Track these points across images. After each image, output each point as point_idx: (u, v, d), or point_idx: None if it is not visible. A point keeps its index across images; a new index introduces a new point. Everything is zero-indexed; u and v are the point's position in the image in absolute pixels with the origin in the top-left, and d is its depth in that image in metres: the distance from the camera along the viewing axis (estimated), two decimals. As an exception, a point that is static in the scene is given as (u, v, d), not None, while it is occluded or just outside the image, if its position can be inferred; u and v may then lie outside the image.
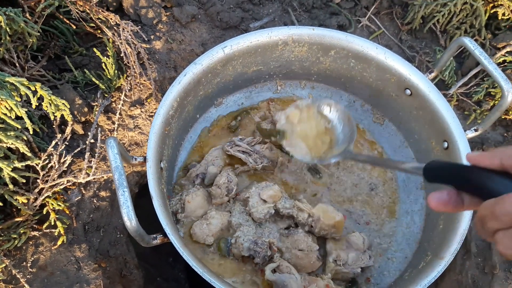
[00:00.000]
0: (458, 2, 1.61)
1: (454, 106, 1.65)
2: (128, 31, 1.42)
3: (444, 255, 1.10)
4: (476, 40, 1.70)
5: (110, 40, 1.45)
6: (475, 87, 1.66)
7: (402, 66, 1.31)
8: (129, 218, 0.94)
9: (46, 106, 1.16)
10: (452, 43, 1.27)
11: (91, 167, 1.30)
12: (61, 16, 1.48)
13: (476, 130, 1.26)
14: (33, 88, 1.10)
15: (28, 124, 1.10)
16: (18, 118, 1.17)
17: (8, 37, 1.28)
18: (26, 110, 1.10)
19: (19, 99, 1.13)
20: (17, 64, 1.34)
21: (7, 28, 1.25)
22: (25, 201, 1.19)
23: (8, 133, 1.10)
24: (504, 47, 1.68)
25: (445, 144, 1.25)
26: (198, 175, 1.31)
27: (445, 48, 1.76)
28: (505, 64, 1.67)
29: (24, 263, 1.22)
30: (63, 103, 1.17)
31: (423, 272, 1.11)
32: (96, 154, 1.32)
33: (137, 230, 0.95)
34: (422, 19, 1.74)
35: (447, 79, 1.65)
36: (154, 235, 1.05)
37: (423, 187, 1.37)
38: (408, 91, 1.33)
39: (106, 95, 1.46)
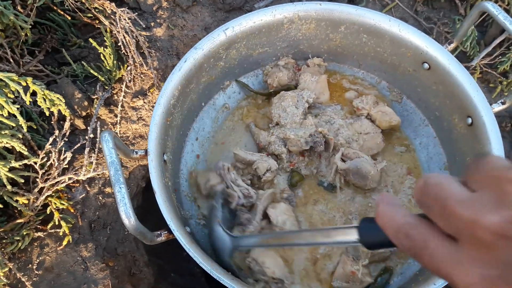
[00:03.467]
0: (478, -35, 1.49)
1: (477, 78, 1.53)
2: (125, 19, 1.35)
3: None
4: (499, 6, 1.58)
5: (108, 29, 1.39)
6: (500, 57, 1.54)
7: (418, 38, 1.21)
8: (127, 215, 0.88)
9: (40, 102, 1.10)
10: (473, 9, 1.16)
11: (92, 162, 1.25)
12: (55, 8, 1.42)
13: (503, 103, 1.16)
14: (24, 83, 1.04)
15: (21, 121, 1.04)
16: (15, 116, 1.12)
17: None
18: (18, 106, 1.04)
19: (12, 96, 1.07)
20: (11, 60, 1.28)
21: (-3, 22, 1.20)
22: (26, 201, 1.15)
23: (2, 132, 1.05)
24: (530, 12, 1.55)
25: (469, 120, 1.15)
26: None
27: (465, 17, 1.63)
28: (532, 30, 1.54)
29: (30, 265, 1.18)
30: (57, 98, 1.11)
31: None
32: (97, 149, 1.27)
33: (137, 228, 0.89)
34: (439, -13, 1.62)
35: (468, 50, 1.53)
36: (159, 232, 0.99)
37: (446, 167, 1.28)
38: (426, 65, 1.23)
39: (106, 87, 1.39)
